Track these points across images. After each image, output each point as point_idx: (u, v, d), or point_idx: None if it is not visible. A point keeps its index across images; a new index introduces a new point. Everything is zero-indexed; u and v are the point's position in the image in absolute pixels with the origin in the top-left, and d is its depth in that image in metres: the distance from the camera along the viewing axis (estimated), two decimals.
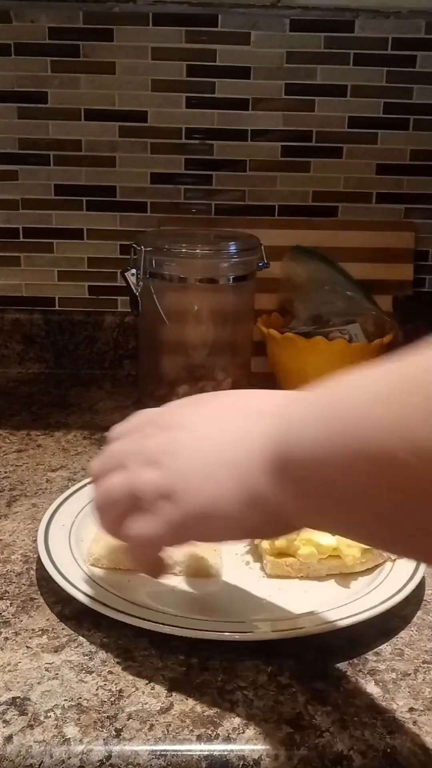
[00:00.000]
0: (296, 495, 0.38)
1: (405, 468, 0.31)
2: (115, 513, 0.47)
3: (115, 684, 0.49)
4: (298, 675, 0.50)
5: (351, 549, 0.58)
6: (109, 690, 0.48)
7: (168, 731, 0.45)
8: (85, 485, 0.69)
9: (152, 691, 0.48)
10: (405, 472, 0.31)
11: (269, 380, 0.99)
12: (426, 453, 0.30)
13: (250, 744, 0.44)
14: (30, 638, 0.53)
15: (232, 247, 0.93)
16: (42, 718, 0.45)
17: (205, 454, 0.44)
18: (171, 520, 0.44)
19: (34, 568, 0.61)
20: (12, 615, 0.55)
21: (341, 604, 0.54)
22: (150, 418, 0.49)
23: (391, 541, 0.37)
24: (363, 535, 0.39)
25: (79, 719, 0.45)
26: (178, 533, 0.45)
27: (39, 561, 0.59)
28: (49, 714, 0.46)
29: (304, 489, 0.38)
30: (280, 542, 0.59)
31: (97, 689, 0.48)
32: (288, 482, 0.39)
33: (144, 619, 0.51)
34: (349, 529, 0.39)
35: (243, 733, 0.45)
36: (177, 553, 0.58)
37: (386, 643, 0.53)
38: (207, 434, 0.45)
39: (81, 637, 0.53)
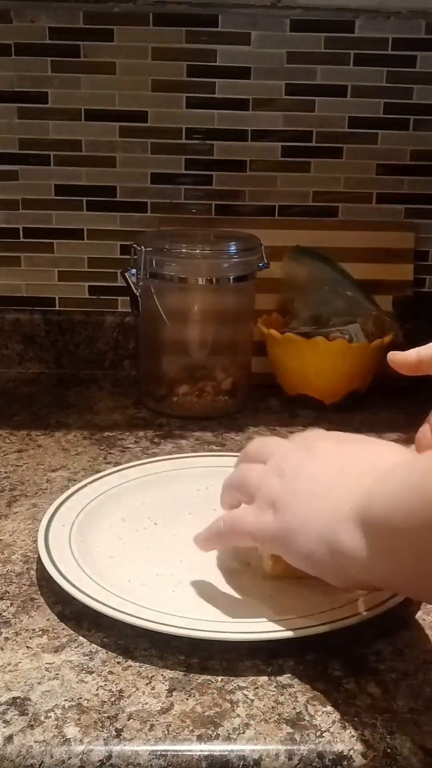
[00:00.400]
0: (370, 549, 0.44)
1: None
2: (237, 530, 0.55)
3: (115, 684, 0.49)
4: (298, 675, 0.50)
5: None
6: (109, 690, 0.48)
7: (168, 731, 0.45)
8: (85, 485, 0.70)
9: (152, 691, 0.48)
10: None
11: (269, 380, 0.99)
12: None
13: (250, 744, 0.44)
14: (30, 638, 0.53)
15: (232, 247, 0.93)
16: (42, 718, 0.45)
17: (310, 504, 0.50)
18: (266, 529, 0.52)
19: (34, 568, 0.61)
20: (12, 615, 0.55)
21: (341, 604, 0.54)
22: (281, 455, 0.55)
23: None
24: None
25: (79, 719, 0.45)
26: (266, 537, 0.53)
27: (39, 561, 0.59)
28: (49, 714, 0.46)
29: (378, 545, 0.43)
30: None
31: (97, 689, 0.48)
32: (366, 534, 0.44)
33: (144, 619, 0.51)
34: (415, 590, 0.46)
35: (243, 733, 0.45)
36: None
37: (386, 643, 0.53)
38: (316, 491, 0.50)
39: (81, 637, 0.53)
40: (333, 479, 0.50)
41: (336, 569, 0.48)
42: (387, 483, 0.44)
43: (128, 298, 0.94)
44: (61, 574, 0.56)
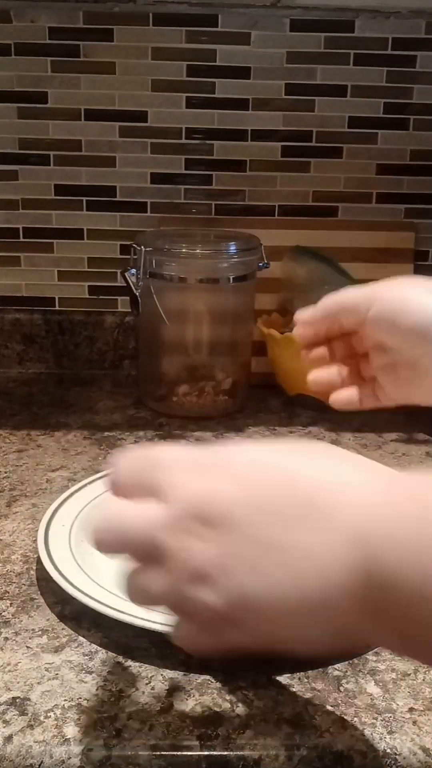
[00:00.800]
0: (383, 627, 0.33)
1: None
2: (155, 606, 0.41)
3: (115, 684, 0.49)
4: (298, 675, 0.50)
5: None
6: (109, 690, 0.48)
7: (168, 731, 0.45)
8: (85, 485, 0.70)
9: (152, 691, 0.48)
10: None
11: (269, 380, 0.99)
12: None
13: (250, 744, 0.44)
14: (30, 638, 0.53)
15: (232, 247, 0.93)
16: (42, 718, 0.45)
17: (276, 577, 0.35)
18: (240, 645, 0.39)
19: (34, 568, 0.61)
20: (12, 615, 0.55)
21: None
22: (180, 484, 0.37)
23: None
24: None
25: (79, 719, 0.45)
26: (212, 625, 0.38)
27: (39, 561, 0.59)
28: (49, 714, 0.46)
29: (394, 625, 0.33)
30: None
31: (97, 689, 0.48)
32: (380, 621, 0.33)
33: (144, 619, 0.51)
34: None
35: (243, 733, 0.45)
36: None
37: None
38: (271, 543, 0.35)
39: (81, 637, 0.53)
40: (296, 513, 0.35)
41: (343, 645, 0.39)
42: (396, 525, 0.32)
43: (128, 298, 0.94)
44: (61, 574, 0.56)
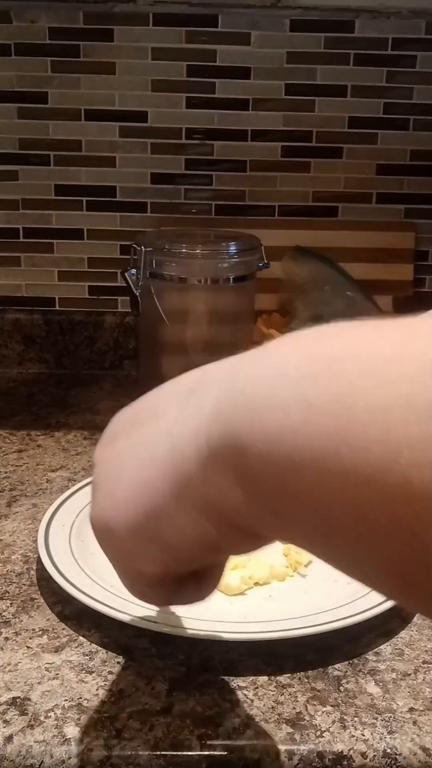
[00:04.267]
0: (243, 488, 0.29)
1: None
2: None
3: (115, 684, 0.49)
4: (298, 675, 0.50)
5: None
6: (109, 690, 0.48)
7: (168, 731, 0.45)
8: (85, 485, 0.70)
9: (152, 691, 0.48)
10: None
11: None
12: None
13: (250, 744, 0.44)
14: (30, 638, 0.53)
15: (232, 247, 0.93)
16: (42, 718, 0.45)
17: (133, 458, 0.35)
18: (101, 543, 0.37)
19: (34, 568, 0.61)
20: (12, 615, 0.55)
21: (341, 604, 0.54)
22: (102, 439, 0.42)
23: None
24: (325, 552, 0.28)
25: (79, 719, 0.45)
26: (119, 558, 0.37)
27: (39, 561, 0.59)
28: (49, 714, 0.46)
29: (250, 480, 0.28)
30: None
31: (97, 689, 0.48)
32: (229, 470, 0.29)
33: (144, 619, 0.51)
34: (310, 542, 0.28)
35: (243, 733, 0.45)
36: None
37: (386, 643, 0.53)
38: (139, 438, 0.36)
39: (81, 637, 0.53)
40: (159, 402, 0.36)
41: (229, 535, 0.32)
42: (257, 367, 0.29)
43: (128, 298, 0.94)
44: (61, 574, 0.56)
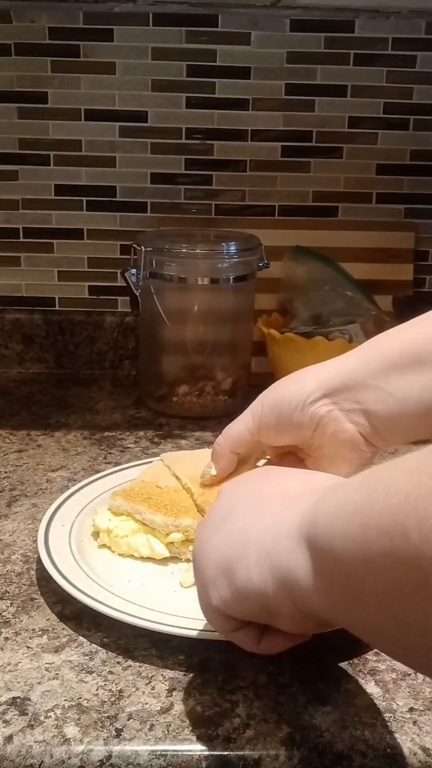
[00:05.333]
0: (316, 577, 0.37)
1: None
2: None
3: (115, 684, 0.49)
4: (298, 675, 0.50)
5: None
6: (109, 690, 0.48)
7: (168, 731, 0.45)
8: (85, 485, 0.70)
9: (152, 691, 0.48)
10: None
11: (269, 380, 0.99)
12: None
13: (250, 744, 0.44)
14: (30, 638, 0.53)
15: (232, 247, 0.93)
16: (42, 718, 0.45)
17: (246, 516, 0.44)
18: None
19: (34, 568, 0.61)
20: (12, 615, 0.55)
21: None
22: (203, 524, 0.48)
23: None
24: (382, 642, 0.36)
25: (79, 719, 0.45)
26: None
27: (39, 561, 0.59)
28: (49, 714, 0.46)
29: (322, 574, 0.36)
30: None
31: (97, 689, 0.48)
32: (312, 558, 0.37)
33: (144, 619, 0.51)
34: (367, 632, 0.36)
35: (243, 733, 0.45)
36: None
37: None
38: (254, 504, 0.45)
39: (81, 637, 0.53)
40: (273, 495, 0.44)
41: (283, 602, 0.40)
42: (332, 498, 0.37)
43: (128, 298, 0.94)
44: (61, 574, 0.56)
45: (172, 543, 0.61)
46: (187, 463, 0.66)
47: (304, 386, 0.55)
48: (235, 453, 0.59)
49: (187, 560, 0.61)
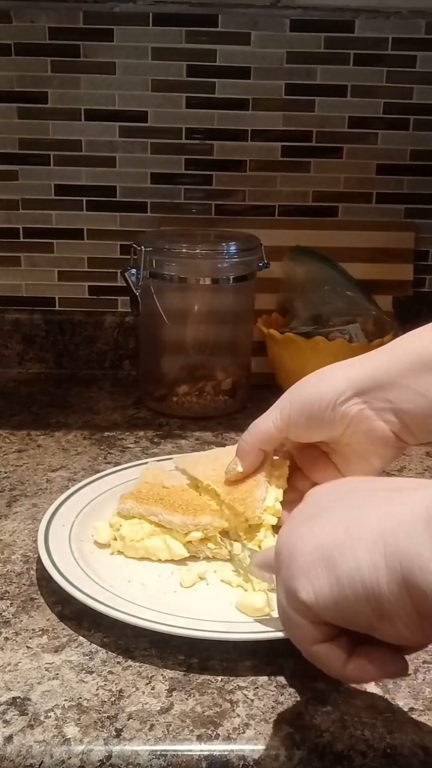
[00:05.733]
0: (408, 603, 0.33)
1: None
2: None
3: (115, 684, 0.49)
4: (298, 675, 0.50)
5: None
6: (109, 690, 0.48)
7: (168, 731, 0.45)
8: (85, 485, 0.70)
9: (152, 691, 0.48)
10: None
11: (269, 380, 0.99)
12: None
13: (250, 744, 0.44)
14: (30, 638, 0.53)
15: (232, 247, 0.93)
16: (42, 718, 0.45)
17: (351, 512, 0.39)
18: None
19: (34, 568, 0.61)
20: (12, 615, 0.55)
21: None
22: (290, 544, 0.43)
23: None
24: None
25: (79, 719, 0.45)
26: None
27: (39, 561, 0.59)
28: (49, 714, 0.46)
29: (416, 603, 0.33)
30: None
31: (97, 689, 0.48)
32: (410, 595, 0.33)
33: (144, 619, 0.51)
34: None
35: (243, 733, 0.45)
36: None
37: None
38: (349, 514, 0.39)
39: (81, 637, 0.53)
40: (377, 489, 0.40)
41: (397, 598, 0.34)
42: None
43: (128, 298, 0.94)
44: (61, 574, 0.56)
45: (190, 542, 0.61)
46: (204, 464, 0.66)
47: (335, 385, 0.55)
48: (261, 450, 0.60)
49: (206, 558, 0.61)
